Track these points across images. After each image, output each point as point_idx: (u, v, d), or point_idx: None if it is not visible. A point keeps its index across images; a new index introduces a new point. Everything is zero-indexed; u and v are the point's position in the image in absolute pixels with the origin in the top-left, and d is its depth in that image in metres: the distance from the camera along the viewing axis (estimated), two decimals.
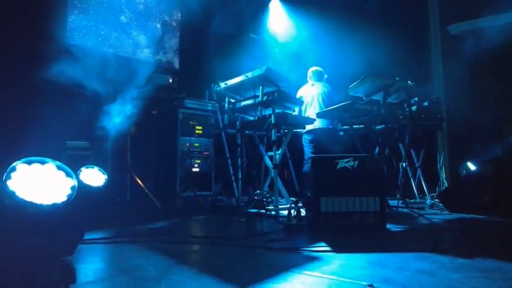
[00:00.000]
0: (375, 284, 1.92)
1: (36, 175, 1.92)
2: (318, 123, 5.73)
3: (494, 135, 6.75)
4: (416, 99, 5.79)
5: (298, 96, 6.05)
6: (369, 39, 6.83)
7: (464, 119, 6.77)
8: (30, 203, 1.75)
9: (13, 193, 1.74)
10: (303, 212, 3.90)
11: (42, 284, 1.77)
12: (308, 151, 5.94)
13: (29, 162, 1.93)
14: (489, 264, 2.33)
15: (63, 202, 1.86)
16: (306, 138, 6.01)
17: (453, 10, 7.55)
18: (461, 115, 6.74)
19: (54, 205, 1.82)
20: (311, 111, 5.87)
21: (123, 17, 5.99)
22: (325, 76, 6.20)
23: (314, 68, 6.22)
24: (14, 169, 1.85)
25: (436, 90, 7.52)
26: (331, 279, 2.06)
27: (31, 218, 1.75)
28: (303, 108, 5.99)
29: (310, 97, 5.97)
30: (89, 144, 4.79)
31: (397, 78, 5.21)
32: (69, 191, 1.93)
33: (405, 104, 5.51)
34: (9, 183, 1.77)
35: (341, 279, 2.05)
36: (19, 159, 1.91)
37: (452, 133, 7.11)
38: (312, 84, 6.11)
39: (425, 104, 5.83)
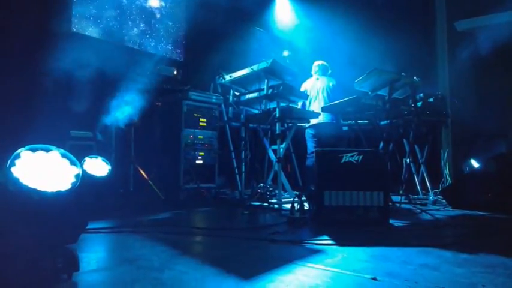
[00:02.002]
0: (378, 277, 1.92)
1: (40, 162, 1.91)
2: (321, 118, 5.72)
3: (498, 132, 6.73)
4: (421, 95, 5.75)
5: (302, 89, 6.03)
6: (375, 34, 6.80)
7: (469, 115, 6.73)
8: (35, 190, 1.75)
9: (17, 180, 1.74)
10: (306, 205, 3.90)
11: (46, 271, 1.78)
12: (311, 145, 5.93)
13: (34, 150, 1.92)
14: (493, 259, 2.32)
15: (67, 190, 1.85)
16: (309, 133, 6.00)
17: (460, 6, 7.51)
18: (466, 112, 6.71)
19: (58, 193, 1.81)
20: (315, 106, 5.86)
21: (128, 8, 5.97)
22: (329, 71, 6.18)
23: (319, 62, 6.19)
24: (18, 156, 1.84)
25: (442, 87, 7.50)
26: (335, 271, 2.05)
27: (35, 205, 1.75)
28: (307, 102, 5.98)
29: (315, 91, 5.96)
30: (93, 134, 4.79)
31: (403, 73, 5.18)
32: (73, 179, 1.92)
33: (410, 100, 5.47)
34: (13, 170, 1.76)
35: (344, 271, 2.04)
36: (23, 146, 1.90)
37: (457, 130, 7.08)
38: (317, 78, 6.09)
39: (431, 100, 5.80)
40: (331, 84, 5.98)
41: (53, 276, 1.81)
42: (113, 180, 4.37)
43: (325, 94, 5.90)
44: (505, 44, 6.49)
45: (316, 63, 6.20)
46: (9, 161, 1.78)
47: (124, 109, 4.80)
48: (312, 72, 6.21)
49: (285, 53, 8.08)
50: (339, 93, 5.74)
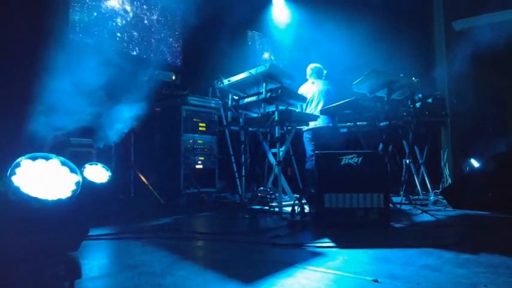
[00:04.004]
0: (379, 279, 1.92)
1: (40, 171, 1.92)
2: (318, 122, 5.71)
3: (498, 131, 6.75)
4: (420, 95, 5.76)
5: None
6: (374, 35, 6.82)
7: (468, 115, 6.75)
8: (35, 199, 1.75)
9: (18, 188, 1.74)
10: (306, 208, 3.90)
11: (48, 279, 1.78)
12: (309, 149, 5.94)
13: (34, 158, 1.93)
14: (494, 259, 2.32)
15: (68, 198, 1.86)
16: (306, 136, 6.01)
17: (458, 6, 7.53)
18: (465, 112, 6.72)
19: (59, 200, 1.82)
20: (312, 109, 5.86)
21: (126, 14, 5.99)
22: (325, 72, 6.18)
23: (313, 65, 6.20)
24: (18, 165, 1.85)
25: (440, 87, 7.51)
26: (336, 274, 2.05)
27: (36, 214, 1.75)
28: (304, 105, 5.98)
29: (311, 95, 5.96)
30: (93, 141, 4.79)
31: (401, 74, 5.19)
32: (73, 187, 1.93)
33: (409, 101, 5.49)
34: (13, 178, 1.77)
35: (346, 274, 2.05)
36: (23, 155, 1.91)
37: (456, 130, 7.09)
38: (313, 82, 6.09)
39: (430, 100, 5.80)
40: (326, 88, 5.97)
41: (55, 284, 1.81)
42: (113, 187, 4.37)
43: (321, 98, 5.90)
44: (502, 43, 6.50)
45: (310, 66, 6.21)
46: (9, 170, 1.78)
47: (122, 117, 4.80)
48: (307, 76, 6.22)
49: (266, 55, 8.12)
50: (336, 97, 5.74)
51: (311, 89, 6.01)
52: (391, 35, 6.70)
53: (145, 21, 6.30)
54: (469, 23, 7.47)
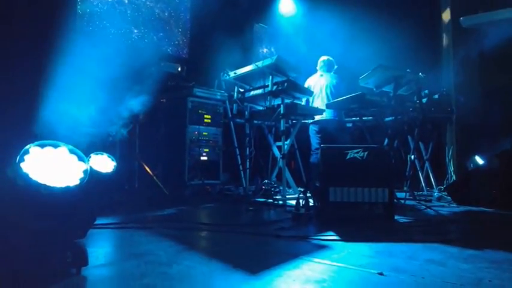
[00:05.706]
0: (384, 273, 1.93)
1: (49, 158, 1.93)
2: (324, 115, 5.71)
3: (503, 129, 6.71)
4: (426, 91, 5.74)
5: (306, 85, 6.02)
6: (381, 31, 6.78)
7: (474, 112, 6.71)
8: (44, 185, 1.76)
9: (26, 175, 1.75)
10: (311, 201, 3.91)
11: (55, 265, 1.79)
12: (315, 142, 5.92)
13: (42, 145, 1.94)
14: (498, 255, 2.32)
15: (76, 185, 1.87)
16: (312, 129, 5.99)
17: (465, 2, 7.47)
18: (471, 108, 6.69)
19: (67, 188, 1.83)
20: (318, 102, 5.84)
21: (132, 5, 5.97)
22: (335, 67, 6.15)
23: (325, 58, 6.16)
24: (27, 152, 1.86)
25: (447, 83, 7.47)
26: (341, 266, 2.06)
27: (44, 200, 1.76)
28: (310, 98, 5.97)
29: (318, 88, 5.93)
30: (98, 131, 4.80)
31: (408, 70, 5.17)
32: (81, 175, 1.94)
33: (415, 96, 5.47)
34: (22, 165, 1.78)
35: (350, 267, 2.05)
36: (32, 142, 1.92)
37: (462, 126, 7.06)
38: (321, 75, 6.06)
39: (436, 96, 5.78)
40: (334, 81, 5.95)
41: (62, 270, 1.83)
42: (118, 177, 4.38)
43: (328, 91, 5.88)
44: (510, 40, 6.45)
45: (322, 58, 6.17)
46: (18, 157, 1.79)
47: (128, 106, 4.80)
48: (317, 68, 6.19)
49: (264, 50, 8.12)
50: (343, 91, 5.72)
51: (319, 81, 5.99)
52: (398, 30, 6.65)
53: (152, 13, 6.28)
54: (476, 19, 7.40)
